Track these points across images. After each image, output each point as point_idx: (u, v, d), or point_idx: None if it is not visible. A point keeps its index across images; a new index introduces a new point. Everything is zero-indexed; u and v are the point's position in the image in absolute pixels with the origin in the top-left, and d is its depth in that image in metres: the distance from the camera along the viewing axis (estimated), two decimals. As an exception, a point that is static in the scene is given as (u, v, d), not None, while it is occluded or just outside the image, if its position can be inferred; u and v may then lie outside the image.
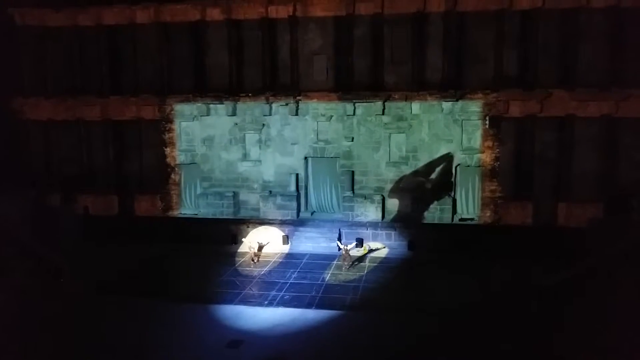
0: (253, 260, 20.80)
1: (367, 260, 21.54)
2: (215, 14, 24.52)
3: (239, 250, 22.84)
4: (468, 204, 24.40)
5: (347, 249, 20.46)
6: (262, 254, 21.46)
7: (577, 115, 22.61)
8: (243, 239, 22.41)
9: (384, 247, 22.48)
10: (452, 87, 23.25)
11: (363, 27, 23.90)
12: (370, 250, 21.38)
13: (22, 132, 26.77)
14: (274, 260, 21.77)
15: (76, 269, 19.96)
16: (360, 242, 23.10)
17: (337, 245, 20.77)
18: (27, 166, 26.80)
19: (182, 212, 26.37)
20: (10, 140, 26.62)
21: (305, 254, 22.41)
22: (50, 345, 14.31)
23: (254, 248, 21.06)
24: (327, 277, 19.63)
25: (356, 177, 24.75)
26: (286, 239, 23.49)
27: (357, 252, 20.62)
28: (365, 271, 20.29)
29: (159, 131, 25.89)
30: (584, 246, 20.54)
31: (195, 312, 16.40)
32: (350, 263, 20.42)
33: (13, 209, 20.96)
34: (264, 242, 21.67)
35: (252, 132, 25.40)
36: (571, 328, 14.79)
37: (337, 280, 19.35)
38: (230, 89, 24.98)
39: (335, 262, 21.20)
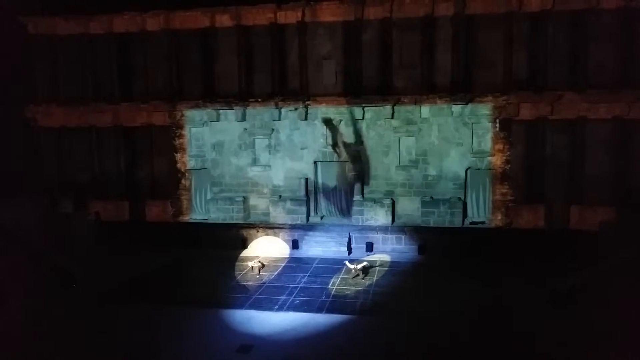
0: (257, 273, 20.64)
1: (377, 264, 21.48)
2: (224, 20, 24.69)
3: (245, 255, 22.93)
4: (479, 207, 24.25)
5: (357, 268, 19.98)
6: (270, 259, 21.49)
7: (588, 117, 22.42)
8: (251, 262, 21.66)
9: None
10: (462, 90, 23.17)
11: (372, 31, 23.92)
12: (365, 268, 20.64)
13: (34, 139, 27.04)
14: (283, 264, 21.78)
15: (87, 275, 20.11)
16: (370, 247, 23.14)
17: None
18: (39, 173, 27.07)
19: (193, 218, 26.46)
20: (22, 147, 26.92)
21: (315, 258, 22.41)
22: (60, 351, 14.40)
23: (256, 265, 20.91)
24: (338, 282, 19.58)
25: (365, 181, 24.69)
26: (296, 244, 23.53)
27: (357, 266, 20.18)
28: (376, 276, 20.22)
29: (169, 137, 26.05)
30: (597, 250, 20.37)
31: (206, 317, 16.42)
32: (363, 275, 20.05)
33: (25, 215, 21.15)
34: (262, 262, 21.31)
35: (261, 137, 25.47)
36: (585, 335, 14.64)
37: (348, 284, 19.29)
38: (239, 94, 25.10)
39: (344, 268, 21.19)
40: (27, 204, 21.13)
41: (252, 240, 24.29)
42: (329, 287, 19.07)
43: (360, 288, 18.87)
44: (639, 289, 16.18)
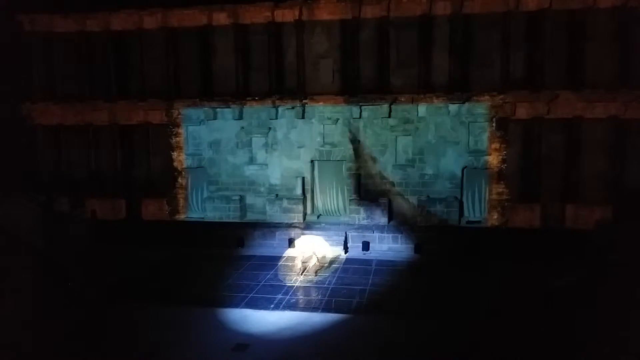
0: (315, 271, 20.52)
1: (373, 263, 21.52)
2: (221, 18, 24.65)
3: (241, 254, 22.96)
4: (475, 206, 24.29)
5: (303, 263, 20.27)
6: (267, 258, 21.53)
7: (585, 116, 22.46)
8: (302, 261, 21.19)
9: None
10: (459, 89, 23.19)
11: (369, 30, 23.92)
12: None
13: (30, 137, 27.01)
14: (279, 264, 21.79)
15: (84, 273, 20.11)
16: (366, 246, 23.17)
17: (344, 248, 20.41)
18: (35, 171, 27.04)
19: (189, 216, 26.46)
20: (19, 145, 26.85)
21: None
22: (57, 350, 14.41)
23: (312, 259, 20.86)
24: (334, 280, 19.63)
25: (362, 180, 24.73)
26: (292, 242, 23.55)
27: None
28: (372, 275, 20.26)
29: (166, 135, 26.03)
30: (592, 248, 20.46)
31: (201, 316, 16.43)
32: (302, 271, 20.28)
33: (22, 214, 21.13)
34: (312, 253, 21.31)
35: (258, 135, 25.46)
36: (584, 333, 14.70)
37: (343, 283, 19.33)
38: (236, 92, 25.08)
39: (341, 265, 21.30)
40: (24, 202, 21.13)
41: (248, 239, 24.28)
42: (325, 285, 19.11)
43: (356, 287, 18.90)
44: (634, 288, 16.27)
